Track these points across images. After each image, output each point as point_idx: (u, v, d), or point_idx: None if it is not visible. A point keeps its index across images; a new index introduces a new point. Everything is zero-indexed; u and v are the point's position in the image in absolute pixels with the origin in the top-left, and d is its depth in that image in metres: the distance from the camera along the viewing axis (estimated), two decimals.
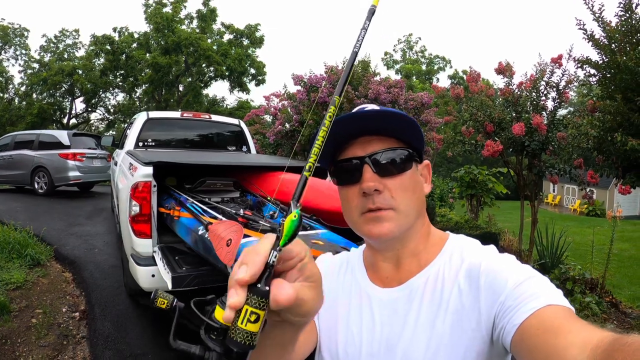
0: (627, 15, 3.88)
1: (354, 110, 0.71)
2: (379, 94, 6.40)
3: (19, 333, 3.24)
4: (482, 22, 74.92)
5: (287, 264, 0.46)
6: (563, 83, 5.08)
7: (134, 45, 23.96)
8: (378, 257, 0.77)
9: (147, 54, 23.31)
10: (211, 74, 24.56)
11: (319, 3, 79.77)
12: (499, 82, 8.82)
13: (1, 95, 25.53)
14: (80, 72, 24.12)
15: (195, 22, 24.62)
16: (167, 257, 2.80)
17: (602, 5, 4.01)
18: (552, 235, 5.59)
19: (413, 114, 6.54)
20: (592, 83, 4.68)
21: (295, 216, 0.44)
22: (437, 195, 11.35)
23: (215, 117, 5.73)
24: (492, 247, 0.72)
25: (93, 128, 28.54)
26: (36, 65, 26.37)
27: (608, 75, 4.17)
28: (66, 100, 26.28)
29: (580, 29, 4.14)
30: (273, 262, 0.42)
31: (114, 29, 23.84)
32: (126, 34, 23.97)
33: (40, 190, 9.36)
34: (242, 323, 0.40)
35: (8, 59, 26.95)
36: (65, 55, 26.79)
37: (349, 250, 0.90)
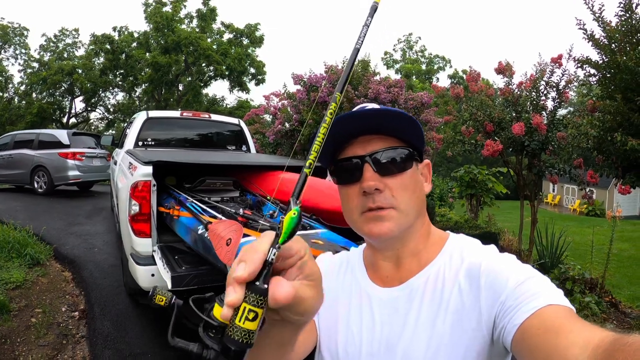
0: (627, 15, 3.88)
1: (354, 109, 0.71)
2: (379, 94, 6.39)
3: (18, 332, 3.23)
4: (482, 22, 74.97)
5: (287, 262, 0.45)
6: (563, 83, 5.08)
7: (134, 44, 23.98)
8: (378, 257, 0.77)
9: (147, 54, 23.32)
10: (211, 74, 24.56)
11: (319, 3, 79.79)
12: (498, 81, 8.84)
13: (1, 94, 25.52)
14: (80, 71, 24.14)
15: (195, 22, 24.64)
16: (166, 257, 2.80)
17: (602, 5, 4.01)
18: (551, 235, 5.59)
19: (413, 114, 6.53)
20: (592, 83, 4.68)
21: (294, 213, 0.43)
22: (436, 195, 11.35)
23: (214, 117, 5.72)
24: (492, 247, 0.72)
25: (93, 127, 28.53)
26: (36, 65, 26.38)
27: (608, 75, 4.17)
28: (66, 99, 26.28)
29: (580, 28, 4.14)
30: (272, 259, 0.42)
31: (114, 28, 23.88)
32: (126, 33, 23.99)
33: (39, 190, 9.36)
34: (240, 321, 0.39)
35: (8, 58, 27.00)
36: (65, 55, 26.80)
37: (348, 250, 0.90)
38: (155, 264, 2.79)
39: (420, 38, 44.61)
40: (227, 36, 25.10)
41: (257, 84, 25.14)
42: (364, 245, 0.84)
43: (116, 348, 3.15)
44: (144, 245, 2.88)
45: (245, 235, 1.95)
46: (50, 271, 4.52)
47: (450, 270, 0.69)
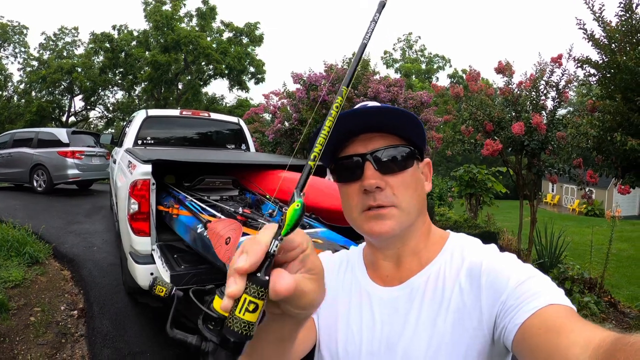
0: (627, 15, 3.88)
1: (355, 107, 0.71)
2: (379, 93, 6.39)
3: (17, 331, 3.23)
4: (482, 22, 74.97)
5: (289, 254, 0.45)
6: (563, 83, 5.08)
7: (134, 43, 23.95)
8: (378, 256, 0.77)
9: (147, 52, 23.30)
10: (210, 72, 24.54)
11: (319, 2, 79.72)
12: (498, 81, 8.85)
13: (0, 93, 25.46)
14: (79, 70, 24.09)
15: (194, 20, 24.61)
16: (165, 255, 2.80)
17: (602, 5, 4.01)
18: (551, 234, 5.59)
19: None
20: (592, 83, 4.68)
21: (297, 205, 0.43)
22: (436, 195, 11.36)
23: (214, 115, 5.71)
24: (493, 246, 0.72)
25: (92, 126, 28.48)
26: (35, 63, 26.31)
27: (608, 75, 4.17)
28: (65, 98, 26.24)
29: (580, 28, 4.13)
30: (274, 251, 0.41)
31: (114, 27, 23.85)
32: (125, 31, 23.95)
33: (39, 188, 9.35)
34: (240, 312, 0.39)
35: (7, 57, 26.88)
36: (65, 53, 26.74)
37: (348, 249, 0.90)
38: (154, 262, 2.78)
39: (420, 37, 44.66)
40: (226, 35, 25.10)
41: (256, 83, 25.18)
42: (363, 244, 0.83)
43: (115, 347, 3.15)
44: (143, 244, 2.87)
45: (244, 234, 1.95)
46: (49, 270, 4.51)
47: (451, 269, 0.69)
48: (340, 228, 2.59)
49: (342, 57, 20.60)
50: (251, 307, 0.39)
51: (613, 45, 4.02)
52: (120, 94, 27.30)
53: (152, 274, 2.78)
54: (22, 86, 26.15)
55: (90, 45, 23.97)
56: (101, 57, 23.99)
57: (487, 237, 6.26)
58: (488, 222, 8.47)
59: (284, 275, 0.41)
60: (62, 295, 4.03)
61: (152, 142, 4.93)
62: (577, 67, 4.42)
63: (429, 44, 65.03)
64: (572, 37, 5.33)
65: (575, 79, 5.05)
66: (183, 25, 23.59)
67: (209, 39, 23.87)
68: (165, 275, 2.56)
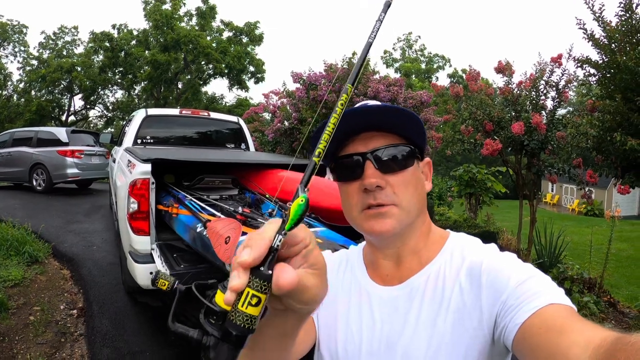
0: (627, 15, 3.88)
1: (356, 106, 0.71)
2: (378, 92, 6.39)
3: (16, 330, 3.23)
4: (482, 22, 74.96)
5: (292, 249, 0.45)
6: (563, 82, 5.08)
7: (133, 42, 23.92)
8: (378, 255, 0.77)
9: (146, 51, 23.26)
10: (210, 72, 24.51)
11: (319, 2, 79.68)
12: (498, 81, 8.84)
13: (0, 92, 25.44)
14: (79, 69, 24.06)
15: (194, 20, 24.57)
16: (165, 255, 2.79)
17: (603, 5, 4.01)
18: (550, 234, 5.59)
19: None
20: (592, 83, 4.68)
21: (302, 200, 0.43)
22: (435, 194, 11.36)
23: (214, 115, 5.71)
24: (493, 246, 0.72)
25: (92, 125, 28.47)
26: (35, 62, 26.27)
27: (608, 75, 4.17)
28: (65, 97, 26.21)
29: (580, 28, 4.13)
30: (277, 246, 0.41)
31: (113, 26, 23.79)
32: (125, 31, 23.92)
33: (38, 187, 9.35)
34: (242, 306, 0.39)
35: (7, 56, 26.83)
36: (64, 52, 26.69)
37: (347, 248, 0.89)
38: (153, 262, 2.78)
39: (419, 37, 44.67)
40: (226, 34, 25.06)
41: (256, 82, 25.14)
42: (363, 243, 0.83)
43: (114, 346, 3.15)
44: (143, 243, 2.87)
45: (244, 234, 1.95)
46: (49, 269, 4.51)
47: (451, 269, 0.69)
48: (340, 227, 2.59)
49: (342, 56, 20.65)
50: (254, 301, 0.39)
51: (613, 45, 4.02)
52: (119, 93, 27.31)
53: (151, 273, 2.78)
54: (21, 85, 26.14)
55: (90, 45, 23.93)
56: (101, 56, 23.94)
57: (487, 236, 6.26)
58: (487, 221, 8.47)
59: (287, 269, 0.41)
60: (62, 294, 4.03)
61: (152, 141, 4.93)
62: (577, 67, 4.43)
63: (428, 43, 64.98)
64: (572, 37, 5.33)
65: (575, 79, 5.05)
66: (183, 24, 23.55)
67: (208, 38, 23.84)
68: None
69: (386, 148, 0.70)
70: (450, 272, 0.69)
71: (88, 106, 27.46)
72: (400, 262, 0.74)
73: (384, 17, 0.58)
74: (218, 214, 2.65)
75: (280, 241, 0.41)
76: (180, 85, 25.57)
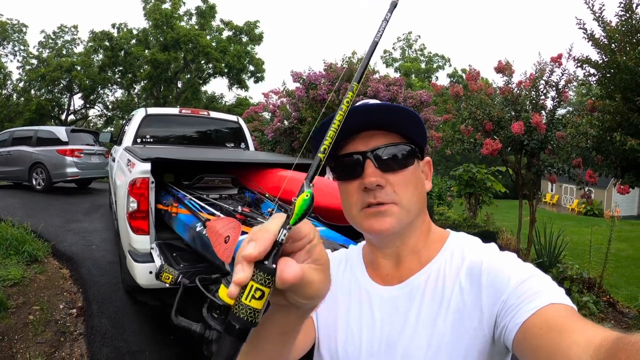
0: (627, 15, 3.88)
1: (356, 104, 0.71)
2: (378, 92, 6.39)
3: (16, 329, 3.23)
4: (482, 22, 74.97)
5: (296, 244, 0.45)
6: (562, 82, 5.07)
7: (133, 41, 23.91)
8: (378, 255, 0.76)
9: (146, 51, 23.26)
10: (210, 71, 24.49)
11: (319, 2, 79.63)
12: (498, 80, 8.84)
13: (0, 91, 25.46)
14: (78, 68, 24.04)
15: (194, 19, 24.55)
16: (164, 254, 2.79)
17: (603, 5, 4.01)
18: (550, 234, 5.59)
19: None
20: (592, 83, 4.68)
21: (307, 195, 0.43)
22: (435, 194, 11.36)
23: (213, 114, 5.71)
24: (493, 245, 0.71)
25: (91, 124, 28.47)
26: (34, 61, 26.27)
27: (608, 75, 4.17)
28: (64, 96, 26.20)
29: (580, 28, 4.13)
30: (282, 240, 0.41)
31: (113, 25, 23.77)
32: (125, 30, 23.90)
33: (38, 187, 9.35)
34: (246, 299, 0.39)
35: (6, 55, 26.81)
36: (64, 52, 26.70)
37: (347, 248, 0.89)
38: (153, 261, 2.78)
39: (419, 37, 44.65)
40: (226, 33, 25.04)
41: (256, 82, 25.12)
42: (363, 243, 0.83)
43: (114, 345, 3.15)
44: (142, 242, 2.87)
45: (243, 233, 1.95)
46: (48, 268, 4.51)
47: (451, 268, 0.69)
48: (340, 227, 2.59)
49: (342, 56, 20.64)
50: (257, 294, 0.39)
51: (613, 45, 4.03)
52: (119, 93, 27.30)
53: (151, 272, 2.77)
54: (21, 84, 26.13)
55: (90, 44, 23.89)
56: (100, 56, 23.92)
57: (486, 236, 6.26)
58: (487, 221, 8.48)
59: (291, 263, 0.41)
60: (61, 293, 4.03)
61: (152, 140, 4.93)
62: (577, 67, 4.43)
63: (428, 43, 64.95)
64: (572, 37, 5.32)
65: (575, 79, 5.04)
66: (182, 23, 23.54)
67: (208, 37, 23.82)
68: None
69: (386, 147, 0.69)
70: (450, 271, 0.69)
71: (88, 105, 27.46)
72: (400, 262, 0.74)
73: (390, 16, 0.58)
74: (217, 213, 2.65)
75: (284, 235, 0.42)
76: (180, 85, 25.57)
